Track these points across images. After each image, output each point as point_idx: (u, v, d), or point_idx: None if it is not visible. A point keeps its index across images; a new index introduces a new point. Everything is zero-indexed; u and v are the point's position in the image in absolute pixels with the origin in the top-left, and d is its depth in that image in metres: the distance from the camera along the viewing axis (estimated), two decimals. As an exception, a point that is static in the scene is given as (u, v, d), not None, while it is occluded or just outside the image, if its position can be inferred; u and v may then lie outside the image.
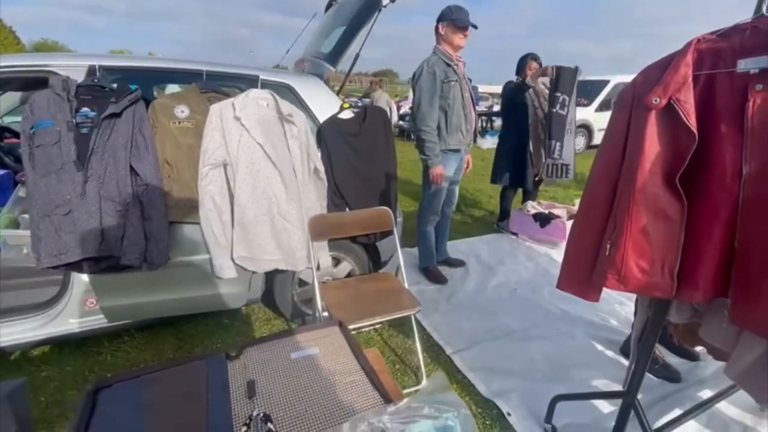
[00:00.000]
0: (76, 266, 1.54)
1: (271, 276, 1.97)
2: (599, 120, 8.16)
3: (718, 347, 1.06)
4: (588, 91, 8.13)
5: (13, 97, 2.52)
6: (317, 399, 0.72)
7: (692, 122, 0.88)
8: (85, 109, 1.53)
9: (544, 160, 3.06)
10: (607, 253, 1.03)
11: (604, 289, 1.00)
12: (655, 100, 0.90)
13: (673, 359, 1.82)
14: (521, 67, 3.16)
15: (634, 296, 2.25)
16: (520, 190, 3.59)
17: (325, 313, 1.70)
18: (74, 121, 1.50)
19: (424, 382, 1.71)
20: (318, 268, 2.01)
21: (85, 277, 1.62)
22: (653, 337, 1.07)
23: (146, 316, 1.80)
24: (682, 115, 0.88)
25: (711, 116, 0.88)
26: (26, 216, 1.76)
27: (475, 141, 2.66)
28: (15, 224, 1.81)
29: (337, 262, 2.15)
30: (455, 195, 2.75)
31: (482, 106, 12.53)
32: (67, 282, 1.66)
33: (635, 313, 1.89)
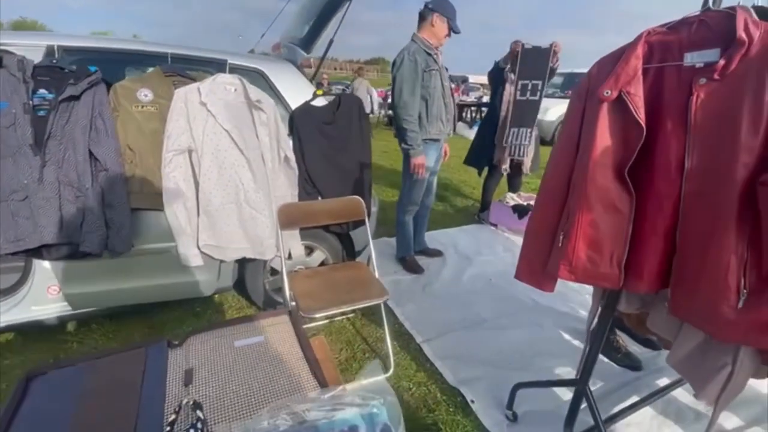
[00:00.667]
0: (36, 252, 1.50)
1: (242, 264, 1.96)
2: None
3: (663, 337, 1.09)
4: (576, 84, 8.14)
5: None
6: (253, 386, 0.72)
7: (641, 115, 0.88)
8: (42, 91, 1.48)
9: (507, 132, 3.12)
10: (560, 244, 1.04)
11: (575, 281, 1.01)
12: (607, 92, 0.90)
13: (635, 348, 1.86)
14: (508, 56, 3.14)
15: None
16: (504, 183, 3.62)
17: (293, 303, 1.70)
18: (31, 103, 1.45)
19: (391, 371, 1.73)
20: (290, 257, 2.00)
21: (47, 264, 1.59)
22: (604, 327, 1.10)
23: (112, 303, 1.77)
24: (631, 107, 0.88)
25: (659, 109, 0.89)
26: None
27: (454, 131, 2.65)
28: (-25, 209, 1.76)
29: (310, 251, 2.14)
30: (434, 185, 2.75)
31: (472, 97, 12.47)
32: (29, 268, 1.63)
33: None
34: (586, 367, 1.15)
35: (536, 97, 3.06)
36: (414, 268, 2.65)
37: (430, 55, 2.33)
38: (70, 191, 1.46)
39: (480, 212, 3.69)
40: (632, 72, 0.88)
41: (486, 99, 11.04)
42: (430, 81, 2.33)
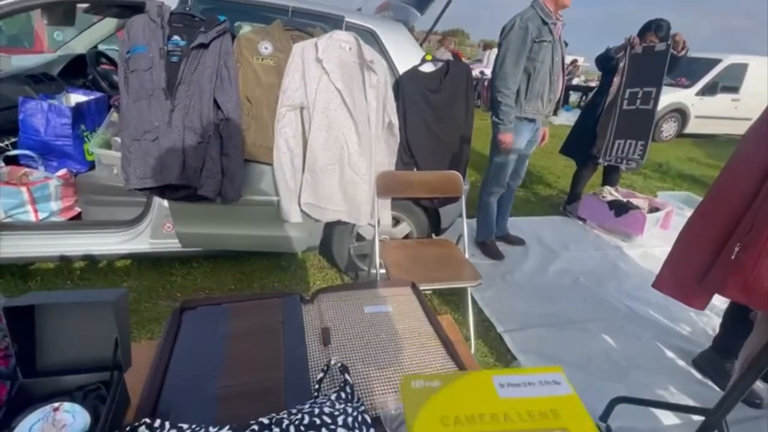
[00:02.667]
0: (158, 191, 1.63)
1: (330, 226, 1.98)
2: (699, 106, 7.14)
3: None
4: (692, 71, 7.06)
5: (109, 25, 2.65)
6: (390, 358, 0.69)
7: None
8: (176, 38, 1.54)
9: (607, 143, 2.77)
10: (732, 257, 0.88)
11: (744, 302, 0.86)
12: None
13: (758, 383, 1.62)
14: (640, 33, 2.73)
15: (716, 306, 2.02)
16: (599, 175, 3.29)
17: (383, 271, 1.69)
18: (166, 48, 1.52)
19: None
20: (378, 225, 1.99)
21: (165, 203, 1.72)
22: (765, 362, 0.93)
23: (215, 246, 1.90)
24: None
25: None
26: (117, 138, 1.88)
27: (555, 112, 2.42)
28: (108, 145, 1.95)
29: (396, 222, 2.11)
30: (523, 168, 2.55)
31: (576, 81, 11.18)
32: (150, 205, 1.78)
33: (722, 326, 1.70)
34: (728, 400, 0.99)
35: (649, 106, 2.61)
36: (494, 254, 2.53)
37: (546, 24, 2.10)
38: (194, 137, 1.53)
39: (567, 203, 3.41)
40: None
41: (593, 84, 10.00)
42: (539, 53, 2.11)
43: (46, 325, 0.56)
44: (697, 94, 7.13)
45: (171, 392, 0.59)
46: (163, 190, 1.62)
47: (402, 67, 1.86)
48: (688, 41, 2.53)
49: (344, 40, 1.62)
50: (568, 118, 7.36)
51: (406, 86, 1.83)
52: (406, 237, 2.15)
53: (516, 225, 2.94)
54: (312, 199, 1.67)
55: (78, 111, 1.96)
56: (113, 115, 2.05)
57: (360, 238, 2.11)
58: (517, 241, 2.73)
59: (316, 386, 0.61)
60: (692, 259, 0.96)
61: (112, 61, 2.72)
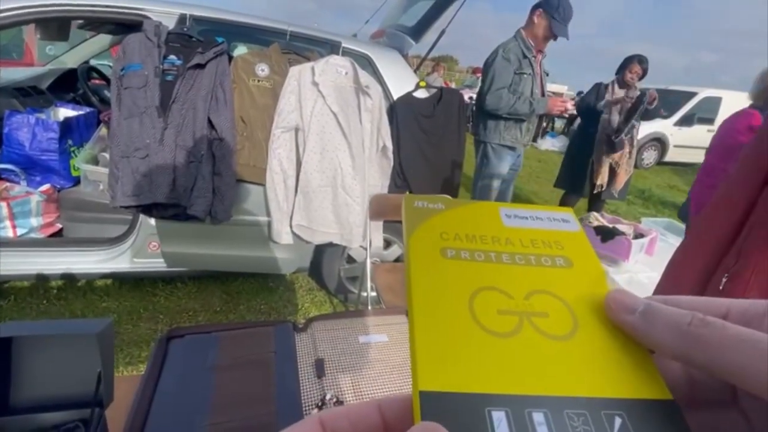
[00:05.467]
0: (146, 210, 1.59)
1: (321, 248, 1.96)
2: (677, 135, 7.45)
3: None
4: (670, 102, 7.40)
5: (103, 40, 2.64)
6: (388, 392, 0.67)
7: None
8: (172, 57, 1.55)
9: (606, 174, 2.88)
10: (720, 287, 0.89)
11: None
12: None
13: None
14: (622, 67, 2.87)
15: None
16: (583, 202, 3.36)
17: (373, 294, 1.66)
18: (161, 67, 1.52)
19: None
20: (369, 247, 1.97)
21: (152, 221, 1.68)
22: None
23: (202, 267, 1.85)
24: None
25: None
26: (105, 154, 1.84)
27: (534, 140, 2.49)
28: (95, 161, 1.90)
29: (387, 244, 2.10)
30: (509, 193, 2.59)
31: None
32: (135, 223, 1.73)
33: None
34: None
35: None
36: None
37: (526, 57, 2.17)
38: (186, 155, 1.52)
39: (554, 228, 3.45)
40: None
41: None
42: (519, 84, 2.17)
43: (22, 357, 0.53)
44: (675, 124, 7.46)
45: (155, 430, 0.56)
46: (151, 209, 1.58)
47: (396, 93, 1.89)
48: (662, 75, 2.70)
49: (341, 64, 1.64)
50: (553, 144, 7.58)
51: (400, 111, 1.86)
52: (397, 260, 2.13)
53: (505, 249, 2.95)
54: (304, 221, 1.65)
55: (66, 125, 1.93)
56: (102, 131, 2.02)
57: (351, 260, 2.08)
58: (507, 265, 2.73)
59: (310, 423, 0.58)
60: (677, 285, 0.97)
61: (103, 77, 2.70)
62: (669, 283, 1.04)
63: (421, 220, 0.21)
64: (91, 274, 1.80)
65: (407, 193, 1.92)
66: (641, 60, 2.79)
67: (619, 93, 2.83)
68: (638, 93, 2.73)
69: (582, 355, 0.16)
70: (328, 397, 0.61)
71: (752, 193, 0.89)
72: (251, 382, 0.66)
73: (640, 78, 2.80)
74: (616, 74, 2.89)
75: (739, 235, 0.90)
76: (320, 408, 0.60)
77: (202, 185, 1.50)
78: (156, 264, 1.78)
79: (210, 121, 1.52)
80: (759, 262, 0.83)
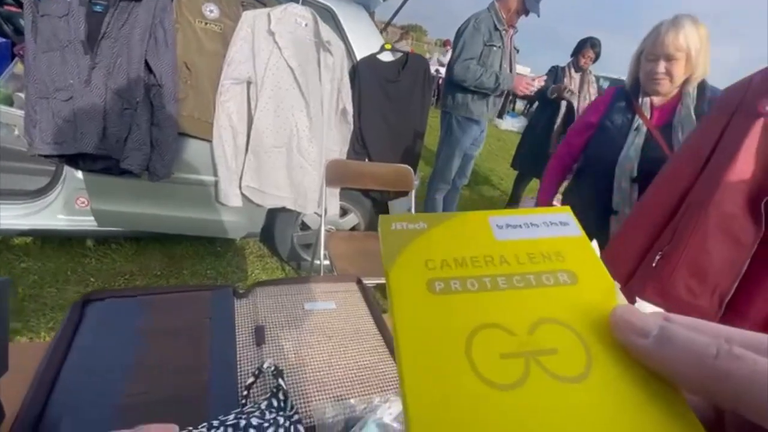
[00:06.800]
0: (71, 160, 1.41)
1: (273, 213, 1.87)
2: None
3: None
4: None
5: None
6: (332, 361, 0.64)
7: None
8: (101, -17, 1.34)
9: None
10: (653, 265, 0.95)
11: (660, 306, 0.93)
12: (769, 108, 0.78)
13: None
14: (576, 50, 2.91)
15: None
16: (535, 182, 3.48)
17: (327, 262, 1.63)
18: (88, -6, 1.31)
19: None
20: (324, 214, 1.91)
21: (79, 174, 1.50)
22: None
23: (140, 228, 1.70)
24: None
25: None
26: (21, 94, 1.59)
27: (500, 116, 2.51)
28: (9, 101, 1.64)
29: (344, 212, 2.05)
30: (469, 168, 2.62)
31: None
32: (59, 175, 1.54)
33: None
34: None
35: None
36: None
37: (497, 30, 2.14)
38: (118, 101, 1.34)
39: (508, 204, 3.57)
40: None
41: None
42: (489, 57, 2.15)
43: None
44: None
45: (61, 402, 0.49)
46: (77, 159, 1.41)
47: (360, 53, 1.79)
48: (619, 63, 2.78)
49: (300, 14, 1.51)
50: (512, 124, 7.74)
51: (363, 73, 1.77)
52: (353, 229, 2.10)
53: (460, 222, 3.02)
54: (254, 183, 1.55)
55: (-31, 56, 1.64)
56: (17, 66, 1.74)
57: (305, 226, 2.02)
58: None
59: (245, 392, 0.55)
60: (621, 262, 1.03)
61: (18, 2, 2.30)
62: (607, 258, 1.09)
63: (401, 245, 0.18)
64: (7, 230, 1.59)
65: (366, 159, 1.86)
66: (594, 43, 2.85)
67: (575, 77, 2.89)
68: (592, 76, 2.80)
69: (601, 399, 0.14)
70: (266, 365, 0.57)
71: (692, 176, 0.93)
72: (181, 350, 0.60)
73: (593, 61, 2.87)
74: (571, 56, 2.94)
75: (674, 218, 0.95)
76: (256, 377, 0.56)
77: (137, 136, 1.35)
78: (85, 222, 1.61)
79: (147, 64, 1.34)
80: (691, 241, 0.88)
